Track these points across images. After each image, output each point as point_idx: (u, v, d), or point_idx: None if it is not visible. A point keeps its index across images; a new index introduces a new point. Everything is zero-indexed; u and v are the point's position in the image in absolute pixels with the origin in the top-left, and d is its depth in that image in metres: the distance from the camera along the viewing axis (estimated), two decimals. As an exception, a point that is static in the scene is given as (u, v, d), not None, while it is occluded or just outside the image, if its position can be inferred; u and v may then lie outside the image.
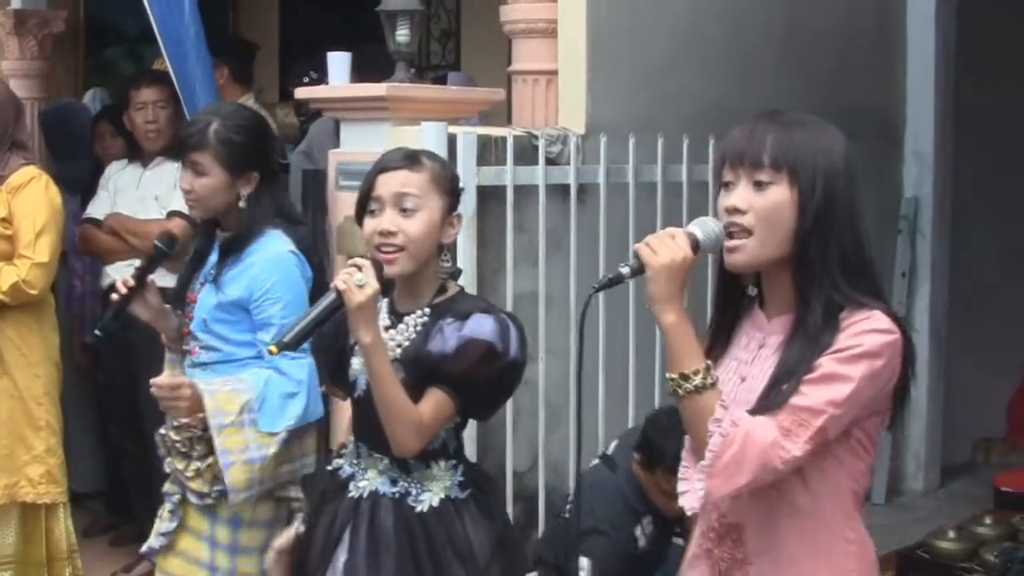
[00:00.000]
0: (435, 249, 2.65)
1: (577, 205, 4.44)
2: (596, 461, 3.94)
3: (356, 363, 2.70)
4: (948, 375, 6.34)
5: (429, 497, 2.68)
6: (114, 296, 3.18)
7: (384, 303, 2.70)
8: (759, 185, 2.09)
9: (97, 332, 3.23)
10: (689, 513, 2.10)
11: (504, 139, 4.25)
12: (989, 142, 6.52)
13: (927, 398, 6.21)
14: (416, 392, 2.58)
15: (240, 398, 3.11)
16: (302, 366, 3.13)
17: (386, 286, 2.60)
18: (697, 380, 2.05)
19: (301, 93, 4.45)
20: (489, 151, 4.23)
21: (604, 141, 4.48)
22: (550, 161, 4.38)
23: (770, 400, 2.06)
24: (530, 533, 4.38)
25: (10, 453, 4.13)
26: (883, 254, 6.07)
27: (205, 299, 3.26)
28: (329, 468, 2.85)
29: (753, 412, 2.06)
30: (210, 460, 3.15)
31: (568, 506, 3.99)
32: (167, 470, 3.29)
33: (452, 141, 4.09)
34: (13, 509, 4.17)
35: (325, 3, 7.93)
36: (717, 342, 2.25)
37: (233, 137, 3.21)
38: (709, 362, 2.09)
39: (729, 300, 2.24)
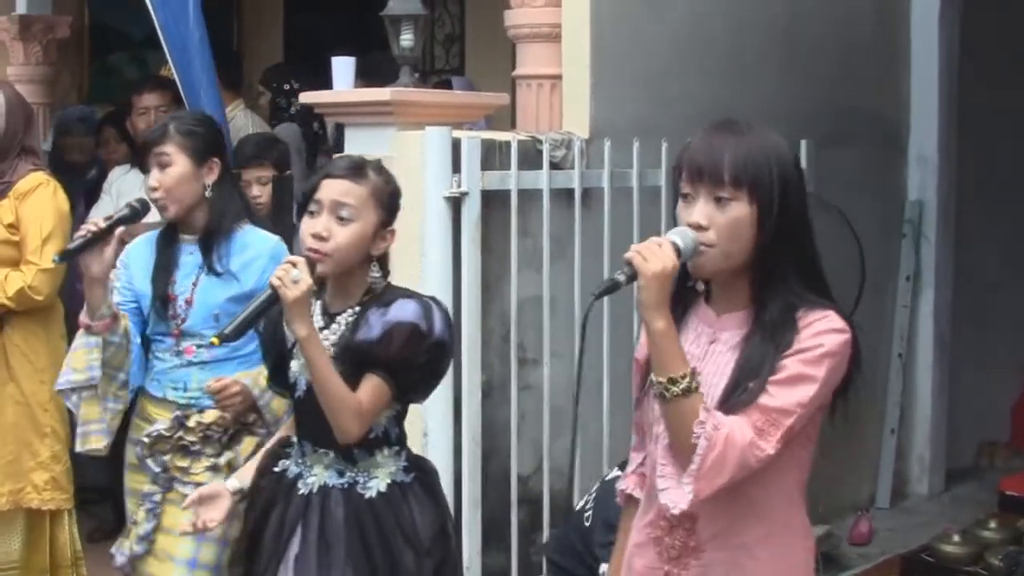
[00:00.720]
0: (363, 258, 2.78)
1: (581, 209, 4.44)
2: (616, 470, 3.92)
3: (295, 365, 2.84)
4: (952, 379, 6.34)
5: (376, 483, 2.80)
6: (87, 229, 3.21)
7: (317, 305, 2.82)
8: (719, 201, 2.17)
9: (55, 258, 3.34)
10: (675, 512, 2.18)
11: (508, 143, 4.25)
12: (993, 146, 6.52)
13: (931, 402, 6.22)
14: (353, 383, 2.71)
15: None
16: None
17: (319, 287, 2.75)
18: (684, 384, 2.14)
19: (306, 98, 4.45)
20: (493, 155, 4.24)
21: (608, 145, 4.48)
22: (554, 165, 4.39)
23: (735, 398, 2.16)
24: (535, 537, 4.39)
25: (16, 459, 4.13)
26: (887, 258, 6.08)
27: (210, 294, 3.33)
28: (275, 471, 2.92)
29: (720, 409, 2.15)
30: (229, 454, 3.25)
31: (586, 513, 3.95)
32: (155, 469, 3.35)
33: (456, 145, 4.10)
34: (19, 515, 4.17)
35: (330, 10, 7.93)
36: None
37: (192, 128, 3.40)
38: (694, 367, 2.17)
39: (679, 296, 2.30)
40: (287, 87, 5.63)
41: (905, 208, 6.17)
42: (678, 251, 2.15)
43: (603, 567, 3.54)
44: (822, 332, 2.16)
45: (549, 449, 4.37)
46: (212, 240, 3.36)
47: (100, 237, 3.20)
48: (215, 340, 2.70)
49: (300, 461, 2.87)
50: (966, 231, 6.39)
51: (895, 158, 6.16)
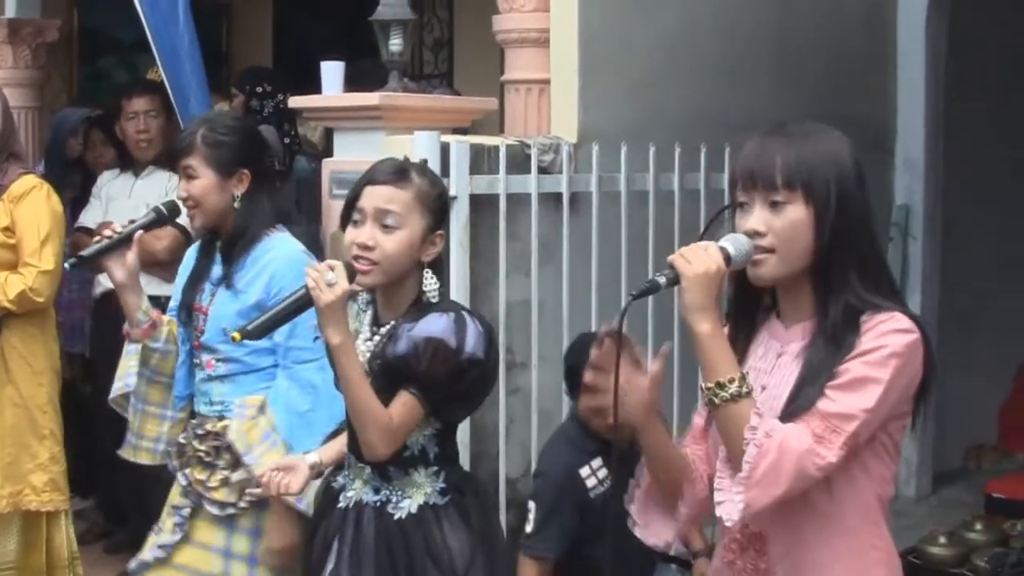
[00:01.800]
0: (413, 265, 2.66)
1: (569, 214, 4.46)
2: None
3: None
4: (939, 382, 6.33)
5: (408, 504, 2.70)
6: (106, 233, 3.15)
7: (368, 315, 2.74)
8: (775, 205, 2.10)
9: (71, 261, 3.22)
10: (728, 524, 2.08)
11: (497, 148, 4.27)
12: (980, 150, 6.55)
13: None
14: (386, 399, 2.59)
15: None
16: (312, 368, 3.15)
17: (370, 296, 2.65)
18: (732, 388, 2.04)
19: (295, 102, 4.47)
20: (482, 160, 4.25)
21: (596, 150, 4.50)
22: (542, 170, 4.40)
23: (797, 404, 2.07)
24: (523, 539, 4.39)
25: (15, 461, 4.14)
26: (874, 262, 6.10)
27: (222, 308, 3.25)
28: (330, 482, 2.87)
29: (782, 419, 2.06)
30: (242, 475, 3.17)
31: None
32: (182, 482, 3.28)
33: (445, 150, 4.11)
34: (15, 517, 4.19)
35: (319, 15, 7.95)
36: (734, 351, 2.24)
37: (220, 138, 3.26)
38: (744, 371, 2.09)
39: (744, 312, 2.26)
40: (260, 89, 5.67)
41: (892, 212, 6.19)
42: (727, 257, 2.09)
43: (529, 504, 3.59)
44: (887, 332, 2.05)
45: (537, 451, 4.38)
46: (232, 251, 3.26)
47: (119, 243, 3.13)
48: (236, 336, 2.57)
49: (346, 473, 2.79)
50: (953, 235, 6.42)
51: (882, 162, 6.19)
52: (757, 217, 2.11)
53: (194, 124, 3.37)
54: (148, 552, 3.31)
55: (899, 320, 2.07)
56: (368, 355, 2.66)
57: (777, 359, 2.18)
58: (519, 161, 4.34)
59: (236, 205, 3.26)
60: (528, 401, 4.37)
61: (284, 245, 3.27)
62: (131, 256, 3.14)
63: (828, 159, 2.12)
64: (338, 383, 2.65)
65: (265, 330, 2.58)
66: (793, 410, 2.06)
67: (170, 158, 3.40)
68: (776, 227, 2.10)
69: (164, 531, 3.31)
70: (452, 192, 4.10)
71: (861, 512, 2.14)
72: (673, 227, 4.68)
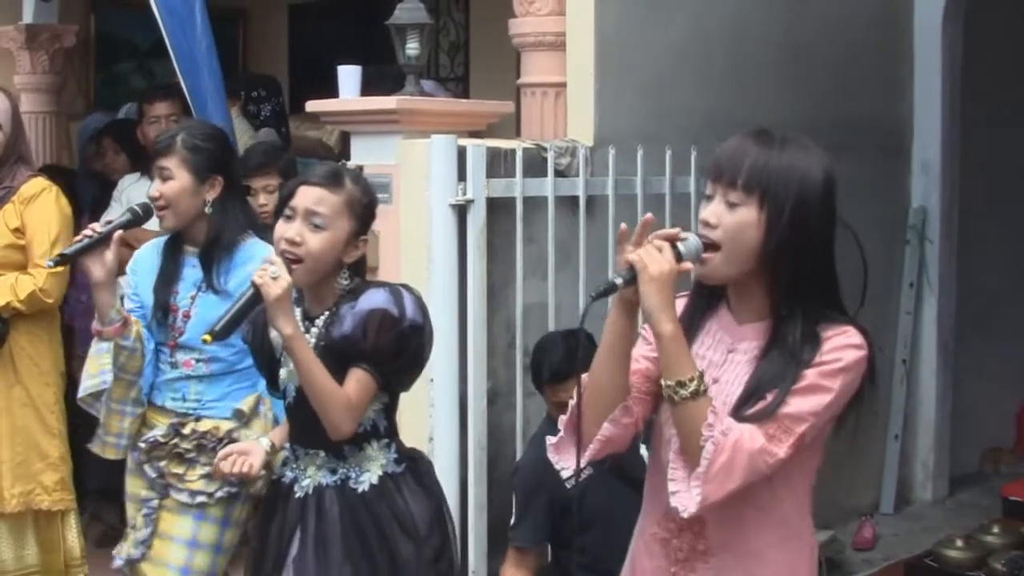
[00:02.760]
0: (336, 265, 2.82)
1: (586, 217, 4.47)
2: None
3: (283, 372, 2.89)
4: (956, 385, 6.36)
5: (368, 476, 2.85)
6: (86, 233, 3.24)
7: (299, 311, 2.87)
8: (731, 204, 2.21)
9: (54, 259, 3.32)
10: (685, 516, 2.18)
11: (513, 151, 4.28)
12: (997, 153, 6.55)
13: (935, 408, 6.23)
14: (338, 380, 2.75)
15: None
16: None
17: (297, 292, 2.82)
18: (692, 387, 2.16)
19: (312, 106, 4.48)
20: (499, 163, 4.26)
21: (612, 153, 4.51)
22: (559, 173, 4.41)
23: (750, 409, 2.17)
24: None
25: (24, 460, 4.17)
26: (891, 264, 6.10)
27: (208, 311, 3.32)
28: (272, 478, 3.00)
29: (733, 418, 2.16)
30: None
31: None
32: (151, 474, 3.38)
33: (462, 153, 4.13)
34: (29, 521, 4.21)
35: (334, 20, 7.97)
36: (688, 330, 2.31)
37: (198, 143, 3.40)
38: (702, 370, 2.20)
39: (701, 302, 2.34)
40: (255, 94, 5.73)
41: (909, 215, 6.19)
42: (679, 255, 2.18)
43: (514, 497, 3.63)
44: (841, 347, 2.19)
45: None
46: (211, 256, 3.38)
47: (99, 242, 3.22)
48: (207, 338, 2.74)
49: (294, 466, 2.92)
50: (969, 238, 6.41)
51: (899, 165, 6.19)
52: (712, 210, 2.23)
53: (173, 129, 3.55)
54: (133, 548, 3.40)
55: (852, 336, 2.21)
56: (311, 345, 2.80)
57: (728, 354, 2.28)
58: (535, 164, 4.36)
59: (207, 210, 3.38)
60: (543, 403, 4.37)
61: (261, 249, 3.37)
62: (109, 255, 3.23)
63: (795, 173, 2.21)
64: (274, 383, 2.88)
65: (229, 329, 2.76)
66: (753, 415, 2.17)
67: (147, 160, 3.54)
68: (726, 223, 2.20)
69: (138, 526, 3.41)
70: (469, 195, 4.12)
71: (795, 500, 2.29)
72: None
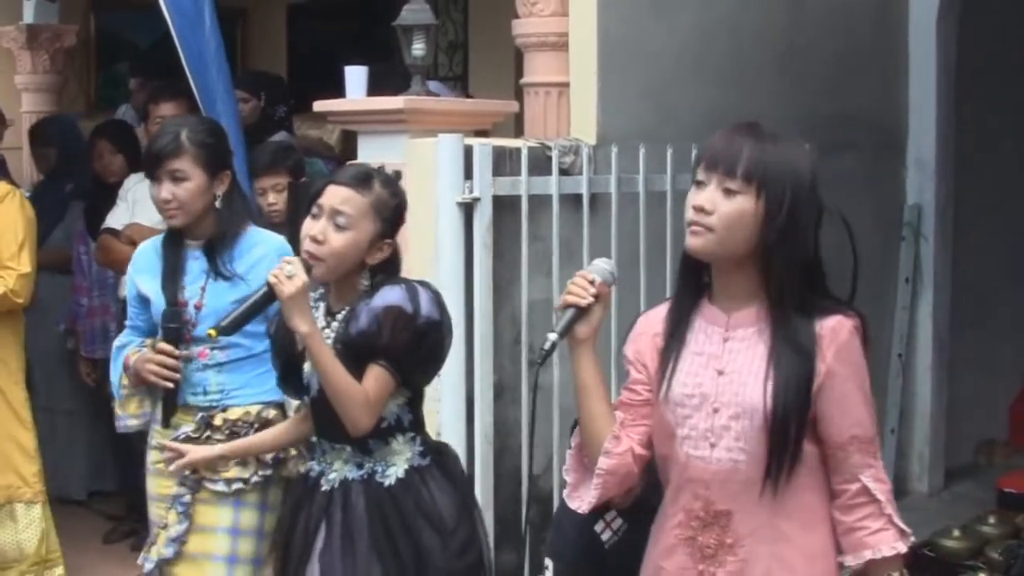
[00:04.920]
0: (358, 266, 2.84)
1: (589, 214, 4.54)
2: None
3: (307, 367, 2.90)
4: (951, 379, 6.43)
5: (394, 471, 2.87)
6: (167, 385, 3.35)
7: (322, 307, 2.91)
8: (728, 192, 2.26)
9: (213, 332, 2.99)
10: (891, 553, 2.31)
11: (518, 150, 4.34)
12: (992, 149, 6.61)
13: (931, 402, 6.30)
14: (357, 376, 2.77)
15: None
16: None
17: (324, 288, 2.87)
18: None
19: (319, 106, 4.54)
20: (504, 162, 4.32)
21: (615, 152, 4.57)
22: (563, 171, 4.47)
23: (784, 417, 2.26)
24: (545, 535, 4.46)
25: (4, 455, 4.27)
26: (886, 260, 6.17)
27: (219, 298, 3.34)
28: (301, 472, 3.05)
29: (773, 422, 2.26)
30: None
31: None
32: (183, 471, 3.33)
33: (468, 152, 4.19)
34: (44, 509, 4.30)
35: (334, 19, 8.02)
36: (673, 338, 2.40)
37: (206, 139, 3.39)
38: (721, 368, 2.34)
39: (688, 294, 2.40)
40: (271, 95, 5.81)
41: (904, 211, 6.25)
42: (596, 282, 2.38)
43: (546, 560, 3.66)
44: (852, 346, 2.30)
45: (559, 448, 4.46)
46: (217, 248, 3.38)
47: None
48: (212, 332, 2.79)
49: (320, 459, 2.94)
50: (964, 234, 6.47)
51: (894, 162, 6.25)
52: (707, 196, 2.28)
53: (171, 127, 3.45)
54: (165, 548, 3.35)
55: (848, 322, 2.30)
56: (330, 341, 2.83)
57: (724, 343, 2.35)
58: (540, 163, 4.42)
59: (217, 205, 3.39)
60: (550, 399, 4.44)
61: (269, 237, 3.44)
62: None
63: (788, 165, 2.28)
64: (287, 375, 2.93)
65: (237, 325, 2.82)
66: (782, 420, 2.25)
67: (149, 163, 3.41)
68: (722, 210, 2.26)
69: (170, 524, 3.37)
70: (475, 194, 4.18)
71: (817, 487, 2.34)
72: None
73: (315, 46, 8.01)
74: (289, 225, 4.36)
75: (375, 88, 4.62)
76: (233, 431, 3.35)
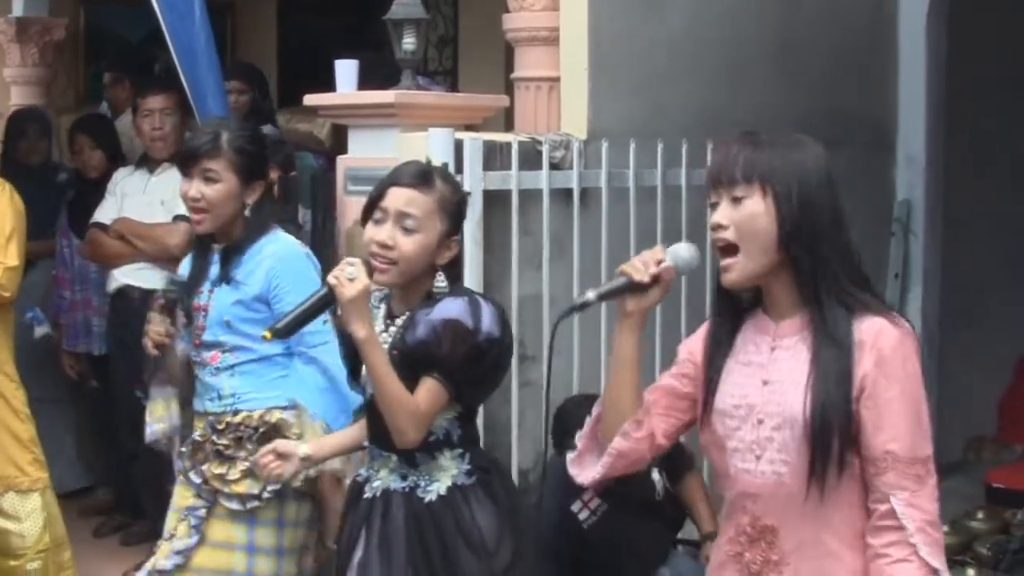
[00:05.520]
0: (427, 267, 2.75)
1: (580, 209, 4.53)
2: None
3: (364, 370, 2.79)
4: (940, 375, 6.44)
5: (437, 487, 2.77)
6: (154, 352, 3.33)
7: (382, 309, 2.83)
8: (736, 200, 2.22)
9: (268, 335, 2.80)
10: None
11: (509, 144, 4.34)
12: (981, 146, 6.63)
13: (920, 397, 6.30)
14: (410, 386, 2.68)
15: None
16: (324, 350, 3.22)
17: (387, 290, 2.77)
18: None
19: (310, 99, 4.53)
20: (495, 156, 4.32)
21: (606, 146, 4.57)
22: (553, 166, 4.47)
23: (826, 417, 2.16)
24: (536, 532, 4.46)
25: (0, 444, 4.25)
26: (876, 256, 6.18)
27: (221, 301, 3.31)
28: (355, 477, 2.96)
29: (813, 424, 2.16)
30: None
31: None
32: (196, 480, 3.30)
33: (459, 147, 4.18)
34: (43, 497, 4.30)
35: (323, 13, 8.01)
36: (718, 350, 2.34)
37: (245, 146, 3.32)
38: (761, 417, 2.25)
39: (727, 309, 2.35)
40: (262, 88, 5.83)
41: (894, 207, 6.27)
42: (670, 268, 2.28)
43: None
44: (906, 353, 2.19)
45: (548, 444, 4.45)
46: (234, 254, 3.33)
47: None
48: (267, 335, 2.67)
49: (369, 465, 2.87)
50: (954, 230, 6.49)
51: (884, 158, 6.26)
52: (720, 212, 2.23)
53: (211, 127, 3.41)
54: (165, 560, 3.30)
55: (894, 330, 2.19)
56: (386, 347, 2.74)
57: (771, 352, 2.27)
58: (530, 157, 4.41)
59: (246, 213, 3.32)
60: (539, 393, 4.41)
61: (282, 240, 3.36)
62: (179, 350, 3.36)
63: (790, 161, 2.23)
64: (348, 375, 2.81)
65: (294, 328, 2.70)
66: (821, 423, 2.15)
67: (185, 159, 3.36)
68: (736, 219, 2.21)
69: (178, 536, 3.31)
70: (466, 188, 4.15)
71: (859, 497, 2.23)
72: (680, 221, 4.76)
73: (305, 40, 8.00)
74: (279, 218, 4.36)
75: (362, 81, 4.62)
76: (236, 436, 3.29)
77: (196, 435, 3.33)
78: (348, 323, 2.63)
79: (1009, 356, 7.01)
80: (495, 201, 4.30)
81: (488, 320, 2.70)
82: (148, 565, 3.34)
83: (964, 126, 6.44)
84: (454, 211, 2.78)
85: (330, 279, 2.63)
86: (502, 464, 3.07)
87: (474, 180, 4.18)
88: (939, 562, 2.19)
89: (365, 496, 2.84)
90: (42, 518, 4.31)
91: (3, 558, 4.28)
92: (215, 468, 3.28)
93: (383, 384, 2.66)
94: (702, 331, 2.40)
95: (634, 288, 2.29)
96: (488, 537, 2.75)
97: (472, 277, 4.21)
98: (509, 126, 5.06)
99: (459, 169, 4.17)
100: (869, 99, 6.13)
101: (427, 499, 2.77)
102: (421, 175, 2.76)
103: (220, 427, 3.30)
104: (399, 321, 2.78)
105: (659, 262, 2.29)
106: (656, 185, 4.75)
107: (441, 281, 2.76)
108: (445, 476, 2.78)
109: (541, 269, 4.45)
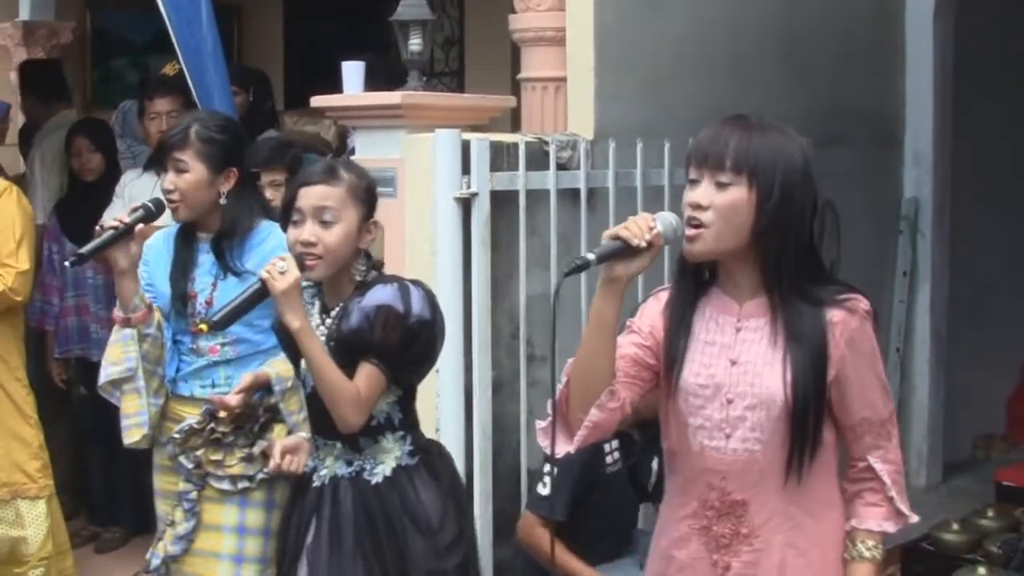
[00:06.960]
0: (353, 254, 2.88)
1: (587, 209, 4.53)
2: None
3: (304, 363, 2.91)
4: (948, 374, 6.44)
5: (383, 469, 2.91)
6: (109, 224, 3.21)
7: (316, 304, 2.93)
8: (720, 185, 2.27)
9: (72, 260, 3.24)
10: (892, 530, 2.42)
11: (516, 145, 4.34)
12: (988, 143, 6.62)
13: (928, 396, 6.31)
14: (349, 374, 2.80)
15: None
16: None
17: (317, 285, 2.88)
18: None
19: (316, 101, 4.53)
20: (502, 157, 4.32)
21: (612, 146, 4.57)
22: (560, 166, 4.47)
23: (803, 404, 2.29)
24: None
25: (7, 452, 4.27)
26: (884, 254, 6.18)
27: (229, 294, 3.27)
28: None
29: (794, 410, 2.29)
30: (263, 443, 3.25)
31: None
32: (187, 465, 3.33)
33: (466, 148, 4.18)
34: (49, 505, 4.31)
35: (330, 15, 8.01)
36: (680, 325, 2.40)
37: (214, 135, 3.39)
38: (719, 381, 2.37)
39: (687, 288, 2.41)
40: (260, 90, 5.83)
41: (901, 205, 6.26)
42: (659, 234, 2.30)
43: (547, 465, 3.62)
44: (865, 332, 2.33)
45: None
46: (223, 244, 3.39)
47: (117, 238, 3.18)
48: (204, 327, 2.83)
49: (315, 455, 2.97)
50: (961, 227, 6.49)
51: (891, 156, 6.26)
52: (702, 192, 2.29)
53: (185, 120, 3.51)
54: (171, 546, 3.35)
55: (859, 306, 2.33)
56: (323, 339, 2.85)
57: (737, 333, 2.35)
58: (537, 158, 4.41)
59: (222, 202, 3.39)
60: (547, 393, 4.42)
61: (278, 233, 3.35)
62: (134, 246, 3.26)
63: (777, 152, 2.29)
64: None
65: (229, 321, 2.83)
66: (803, 410, 2.29)
67: (158, 153, 3.50)
68: (717, 203, 2.27)
69: (177, 522, 3.36)
70: (473, 188, 4.18)
71: (827, 475, 2.39)
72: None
73: (312, 41, 8.01)
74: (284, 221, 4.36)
75: (368, 81, 4.62)
76: (237, 424, 3.31)
77: (192, 421, 3.34)
78: (282, 315, 2.75)
79: (1017, 354, 7.01)
80: (502, 202, 4.31)
81: (418, 303, 2.83)
82: (159, 551, 3.38)
83: (971, 124, 6.44)
84: (365, 196, 2.89)
85: (262, 274, 2.76)
86: (443, 445, 3.17)
87: (481, 181, 4.18)
88: (906, 506, 2.43)
89: (314, 485, 2.94)
90: (47, 525, 4.32)
91: (8, 565, 4.29)
92: (211, 455, 3.33)
93: (321, 372, 2.77)
94: (659, 304, 2.44)
95: (627, 252, 2.32)
96: (433, 515, 2.89)
97: (480, 277, 4.22)
98: (516, 127, 5.06)
99: (466, 170, 4.17)
100: (875, 97, 6.13)
101: (374, 481, 2.89)
102: (327, 170, 2.89)
103: (220, 415, 3.32)
104: (333, 313, 2.89)
105: (651, 228, 2.31)
106: (663, 184, 4.75)
107: (362, 264, 2.89)
108: (389, 458, 2.91)
109: (549, 269, 4.44)
